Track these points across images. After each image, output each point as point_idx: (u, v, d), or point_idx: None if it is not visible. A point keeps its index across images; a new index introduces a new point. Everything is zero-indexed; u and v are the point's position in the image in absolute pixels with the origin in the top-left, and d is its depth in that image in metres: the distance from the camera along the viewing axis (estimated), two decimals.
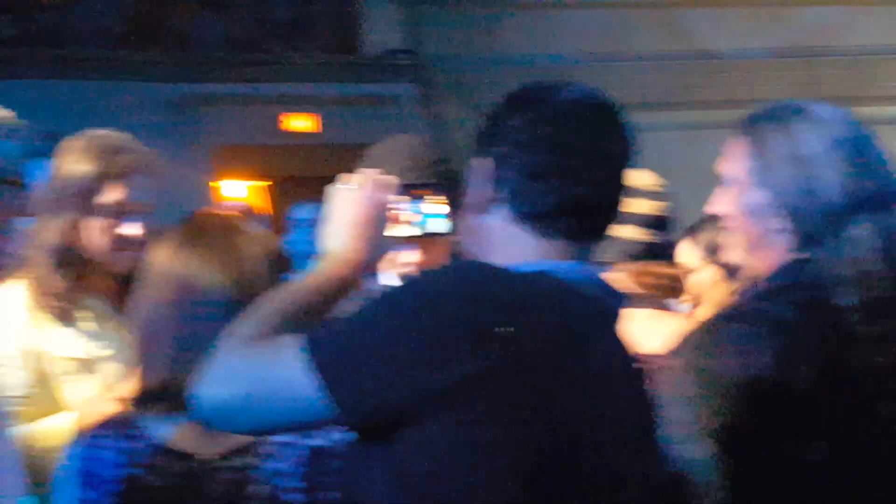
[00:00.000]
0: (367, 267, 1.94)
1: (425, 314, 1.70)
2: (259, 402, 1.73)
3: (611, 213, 1.92)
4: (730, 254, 2.33)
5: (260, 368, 1.73)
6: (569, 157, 1.84)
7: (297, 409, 1.72)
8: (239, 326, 1.81)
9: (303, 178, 9.83)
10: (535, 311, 1.75)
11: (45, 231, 2.93)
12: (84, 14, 10.46)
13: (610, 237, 2.92)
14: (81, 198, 2.95)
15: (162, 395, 2.06)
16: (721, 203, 2.30)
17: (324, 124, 10.83)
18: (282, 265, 2.21)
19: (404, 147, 2.75)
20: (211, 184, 10.42)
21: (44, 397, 2.86)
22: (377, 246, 1.96)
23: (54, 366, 2.91)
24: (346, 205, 1.97)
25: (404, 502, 1.70)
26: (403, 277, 2.62)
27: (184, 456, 2.03)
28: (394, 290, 1.80)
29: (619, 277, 2.92)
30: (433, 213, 2.09)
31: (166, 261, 2.13)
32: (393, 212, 1.99)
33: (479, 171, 1.90)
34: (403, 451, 1.69)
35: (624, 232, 2.95)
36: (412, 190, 2.07)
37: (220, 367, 1.77)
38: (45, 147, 2.91)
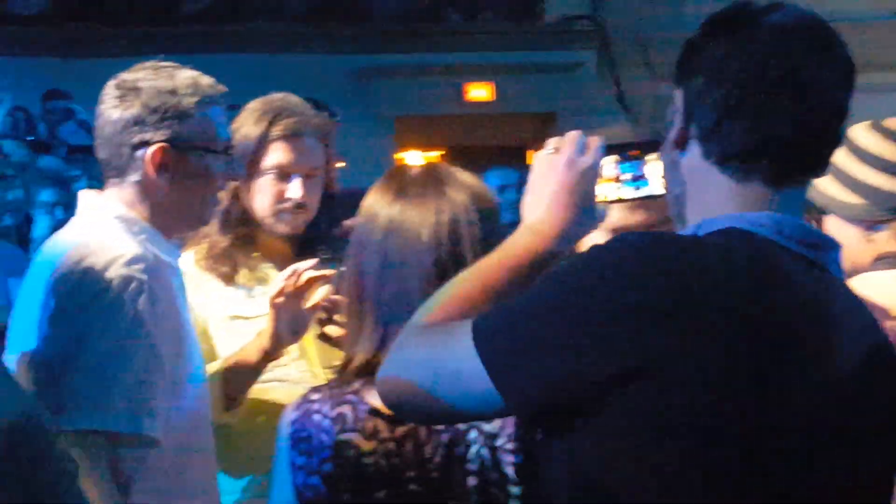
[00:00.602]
0: (572, 239, 1.80)
1: (592, 297, 1.55)
2: (430, 392, 1.66)
3: (819, 156, 1.68)
4: None
5: (430, 357, 1.66)
6: (769, 92, 1.62)
7: (467, 400, 1.63)
8: (425, 307, 1.73)
9: (475, 147, 9.88)
10: (722, 283, 1.55)
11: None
12: None
13: (876, 190, 2.73)
14: (248, 159, 2.98)
15: (372, 361, 2.01)
16: None
17: (498, 93, 10.80)
18: (495, 215, 2.07)
19: None
20: (393, 154, 10.51)
21: (205, 353, 2.90)
22: (582, 215, 1.78)
23: (215, 324, 2.97)
24: (547, 171, 1.80)
25: (581, 496, 1.59)
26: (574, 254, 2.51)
27: (397, 419, 1.98)
28: (560, 270, 1.64)
29: (881, 237, 2.71)
30: (646, 174, 1.86)
31: (378, 213, 2.06)
32: (600, 175, 1.82)
33: (676, 105, 1.72)
34: (577, 442, 1.57)
35: (889, 184, 2.77)
36: (620, 149, 1.86)
37: (398, 353, 1.71)
38: (230, 119, 2.96)
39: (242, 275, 3.01)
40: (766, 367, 1.54)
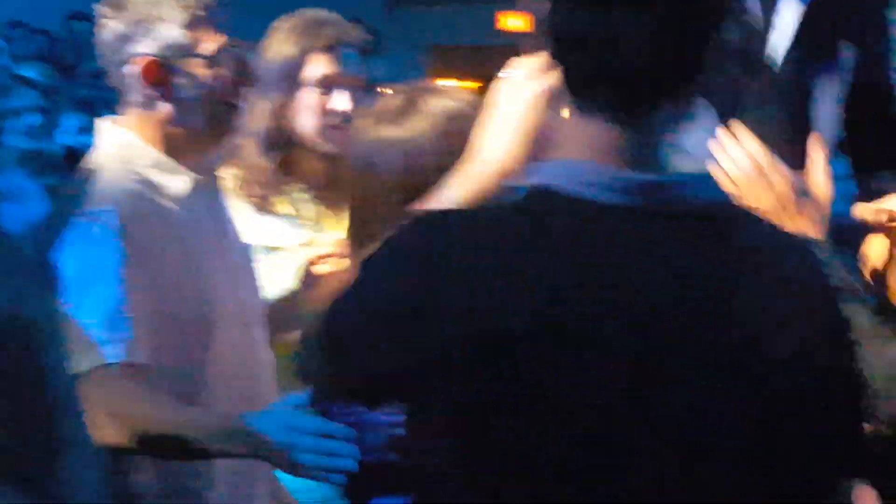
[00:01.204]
0: (512, 176, 1.61)
1: (376, 292, 1.46)
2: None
3: (667, 82, 1.46)
4: None
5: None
6: (607, 9, 1.41)
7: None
8: None
9: None
10: (518, 266, 1.39)
11: (253, 115, 2.79)
12: None
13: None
14: (287, 75, 2.86)
15: None
16: None
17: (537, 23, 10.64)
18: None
19: None
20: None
21: None
22: (527, 148, 1.63)
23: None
24: (506, 98, 1.64)
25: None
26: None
27: None
28: (371, 256, 1.52)
29: None
30: None
31: (356, 142, 2.03)
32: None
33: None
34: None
35: None
36: None
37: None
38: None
39: (280, 202, 2.87)
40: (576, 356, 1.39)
